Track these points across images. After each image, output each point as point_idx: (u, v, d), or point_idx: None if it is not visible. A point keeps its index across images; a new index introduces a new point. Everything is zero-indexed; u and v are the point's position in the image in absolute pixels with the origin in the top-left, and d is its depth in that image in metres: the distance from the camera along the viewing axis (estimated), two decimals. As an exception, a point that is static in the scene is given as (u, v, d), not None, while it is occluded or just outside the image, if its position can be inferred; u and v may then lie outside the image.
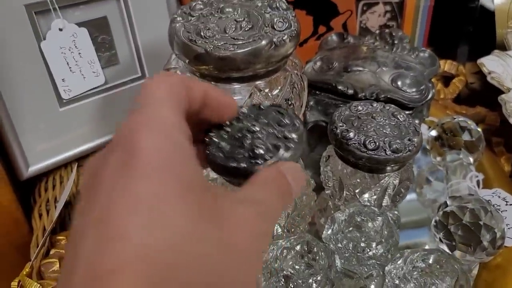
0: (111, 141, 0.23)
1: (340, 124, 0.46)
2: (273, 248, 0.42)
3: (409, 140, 0.44)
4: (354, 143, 0.44)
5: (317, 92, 0.57)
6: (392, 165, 0.45)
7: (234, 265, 0.20)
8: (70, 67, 0.53)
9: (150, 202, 0.19)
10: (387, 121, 0.46)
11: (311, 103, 0.57)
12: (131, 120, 0.23)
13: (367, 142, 0.44)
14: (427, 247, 0.51)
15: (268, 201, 0.24)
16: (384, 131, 0.45)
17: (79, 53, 0.54)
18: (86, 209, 0.20)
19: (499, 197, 0.50)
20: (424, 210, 0.57)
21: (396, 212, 0.53)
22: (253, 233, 0.22)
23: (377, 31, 0.59)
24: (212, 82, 0.47)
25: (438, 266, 0.42)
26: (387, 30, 0.58)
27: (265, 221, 0.23)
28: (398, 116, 0.47)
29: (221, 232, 0.20)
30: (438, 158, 0.56)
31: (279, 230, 0.44)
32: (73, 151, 0.57)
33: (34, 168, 0.55)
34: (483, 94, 0.70)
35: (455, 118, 0.55)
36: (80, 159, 0.59)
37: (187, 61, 0.46)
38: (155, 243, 0.18)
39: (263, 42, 0.44)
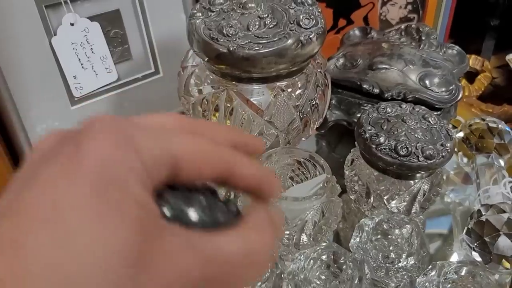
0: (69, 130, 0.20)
1: (369, 128, 0.43)
2: (299, 259, 0.40)
3: (441, 145, 0.42)
4: (385, 149, 0.42)
5: (339, 90, 0.54)
6: (423, 172, 0.43)
7: None
8: (82, 64, 0.51)
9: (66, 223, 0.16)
10: (418, 125, 0.44)
11: (333, 101, 0.55)
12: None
13: (398, 147, 0.41)
14: (455, 257, 0.49)
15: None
16: (416, 135, 0.43)
17: (91, 49, 0.51)
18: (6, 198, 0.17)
19: (531, 203, 0.48)
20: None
21: (421, 217, 0.51)
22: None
23: (403, 26, 0.56)
24: (233, 82, 0.44)
25: (471, 278, 0.41)
26: (413, 25, 0.55)
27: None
28: (429, 119, 0.44)
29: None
30: (465, 160, 0.54)
31: (305, 239, 0.42)
32: (85, 151, 0.54)
33: (45, 169, 0.52)
34: (508, 90, 0.67)
35: (484, 120, 0.53)
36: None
37: (206, 59, 0.43)
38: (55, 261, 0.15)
39: (289, 41, 0.41)
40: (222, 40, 0.41)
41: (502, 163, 0.50)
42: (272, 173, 0.28)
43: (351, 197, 0.49)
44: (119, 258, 0.16)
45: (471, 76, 0.67)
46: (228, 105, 0.44)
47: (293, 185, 0.47)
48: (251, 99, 0.45)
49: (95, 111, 0.54)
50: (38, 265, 0.15)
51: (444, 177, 0.57)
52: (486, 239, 0.41)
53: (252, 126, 0.45)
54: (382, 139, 0.42)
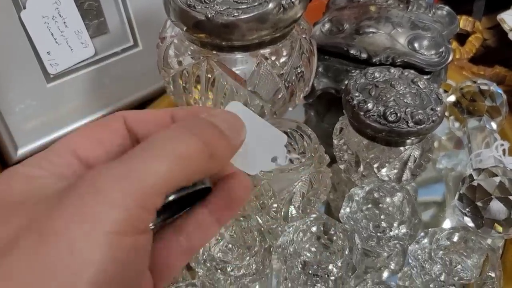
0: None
1: (356, 94, 0.42)
2: (288, 231, 0.39)
3: (431, 109, 0.41)
4: (373, 115, 0.40)
5: (326, 57, 0.52)
6: (414, 138, 0.41)
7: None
8: (55, 39, 0.48)
9: None
10: (407, 89, 0.42)
11: (320, 69, 0.53)
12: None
13: (387, 113, 0.40)
14: (447, 223, 0.48)
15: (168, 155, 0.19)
16: (405, 100, 0.41)
17: (64, 22, 0.49)
18: None
19: (524, 165, 0.47)
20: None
21: (413, 184, 0.51)
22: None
23: (390, -13, 0.54)
24: (214, 51, 0.42)
25: (463, 244, 0.40)
26: (401, -14, 0.53)
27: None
28: (419, 83, 0.43)
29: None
30: (457, 125, 0.52)
31: (294, 211, 0.41)
32: (65, 129, 0.53)
33: (24, 150, 0.51)
34: (500, 52, 0.65)
35: (475, 82, 0.51)
36: (73, 137, 0.55)
37: (185, 28, 0.41)
38: None
39: (270, 6, 0.39)
40: (199, 7, 0.39)
41: (494, 126, 0.49)
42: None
43: (340, 166, 0.47)
44: None
45: (461, 38, 0.66)
46: (209, 76, 0.43)
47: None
48: (233, 69, 0.43)
49: (72, 88, 0.52)
50: None
51: (436, 143, 0.56)
52: (478, 203, 0.40)
53: (235, 98, 0.44)
54: (370, 106, 0.40)
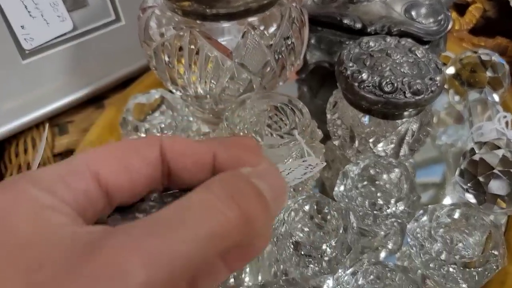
0: None
1: (350, 64, 0.39)
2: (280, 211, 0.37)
3: (430, 79, 0.38)
4: (368, 86, 0.38)
5: (318, 28, 0.50)
6: (411, 110, 0.39)
7: None
8: (29, 11, 0.45)
9: None
10: (404, 58, 0.39)
11: (312, 41, 0.50)
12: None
13: (383, 84, 0.37)
14: (448, 201, 0.46)
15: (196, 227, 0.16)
16: (402, 70, 0.38)
17: (38, -6, 0.46)
18: None
19: (527, 138, 0.44)
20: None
21: (412, 161, 0.48)
22: None
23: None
24: (198, 21, 0.40)
25: (464, 221, 0.38)
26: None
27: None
28: (416, 52, 0.40)
29: None
30: (457, 98, 0.50)
31: (285, 190, 0.38)
32: (43, 109, 0.50)
33: (0, 130, 0.48)
34: (501, 23, 0.63)
35: (475, 52, 0.49)
36: (53, 118, 0.52)
37: (165, -4, 0.38)
38: None
39: (256, -32, 0.36)
40: (179, -29, 0.36)
41: (496, 98, 0.46)
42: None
43: (334, 142, 0.45)
44: None
45: (461, 8, 0.63)
46: (193, 47, 0.40)
47: (271, 134, 0.44)
48: (219, 40, 0.40)
49: (51, 65, 0.49)
50: None
51: (435, 119, 0.54)
52: (480, 178, 0.37)
53: (221, 71, 0.41)
54: (365, 76, 0.38)
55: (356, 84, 0.38)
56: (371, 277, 0.34)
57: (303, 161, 0.31)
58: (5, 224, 0.16)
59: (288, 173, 0.28)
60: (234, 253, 0.20)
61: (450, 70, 0.50)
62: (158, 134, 0.44)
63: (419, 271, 0.37)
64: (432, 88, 0.38)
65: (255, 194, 0.18)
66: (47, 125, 0.50)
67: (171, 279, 0.15)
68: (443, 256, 0.34)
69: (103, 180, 0.19)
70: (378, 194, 0.40)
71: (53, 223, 0.16)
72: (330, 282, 0.39)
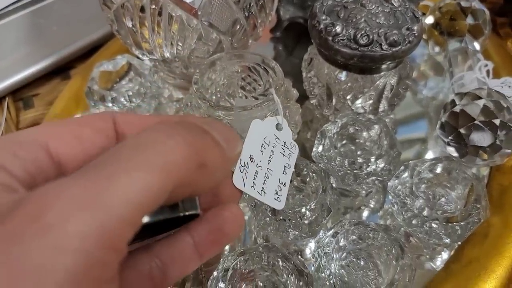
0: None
1: (323, 17, 0.37)
2: (256, 176, 0.36)
3: (407, 29, 0.36)
4: (343, 40, 0.36)
5: (290, -19, 0.47)
6: (389, 62, 0.37)
7: None
8: (-24, -23, 0.42)
9: None
10: (379, 8, 0.37)
11: (285, -4, 0.48)
12: None
13: (358, 36, 0.35)
14: (429, 155, 0.45)
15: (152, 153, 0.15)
16: (378, 20, 0.36)
17: (-15, -43, 0.42)
18: None
19: (509, 87, 0.43)
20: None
21: (392, 116, 0.47)
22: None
23: None
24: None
25: (446, 175, 0.37)
26: None
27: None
28: (392, 1, 0.38)
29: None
30: (437, 49, 0.48)
31: (261, 154, 0.37)
32: (3, 83, 0.47)
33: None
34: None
35: (455, -1, 0.47)
36: (16, 92, 0.49)
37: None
38: None
39: None
40: None
41: (476, 46, 0.45)
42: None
43: (312, 101, 0.43)
44: None
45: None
46: (154, 7, 0.37)
47: (245, 96, 0.42)
48: (182, -2, 0.37)
49: (7, 35, 0.46)
50: None
51: (415, 72, 0.52)
52: (461, 130, 0.36)
53: (187, 32, 0.39)
54: (338, 29, 0.36)
55: (330, 38, 0.36)
56: (353, 237, 0.33)
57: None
58: None
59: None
60: (202, 233, 0.20)
61: (429, 20, 0.48)
62: (126, 103, 0.42)
63: (402, 228, 0.36)
64: (410, 39, 0.36)
65: (201, 130, 0.18)
66: (6, 101, 0.47)
67: (105, 227, 0.13)
68: (425, 213, 0.33)
69: (53, 150, 0.18)
70: (358, 153, 0.39)
71: None
72: (312, 245, 0.38)
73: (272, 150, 0.31)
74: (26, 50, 0.48)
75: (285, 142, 0.32)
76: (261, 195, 0.28)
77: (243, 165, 0.26)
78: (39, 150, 0.17)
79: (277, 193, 0.29)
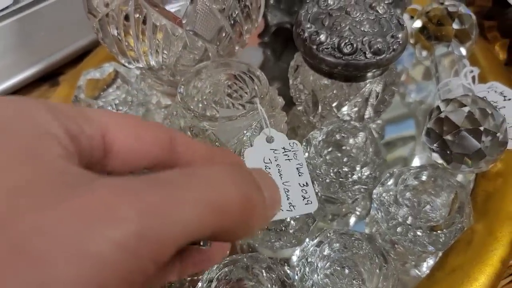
0: None
1: (308, 26, 0.37)
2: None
3: (392, 36, 0.36)
4: (327, 48, 0.36)
5: (277, -13, 0.47)
6: (374, 70, 0.37)
7: None
8: (-39, -14, 0.42)
9: None
10: (364, 16, 0.37)
11: (271, 1, 0.48)
12: None
13: (342, 45, 0.35)
14: (416, 161, 0.45)
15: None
16: (362, 28, 0.36)
17: (-30, -34, 0.42)
18: None
19: (495, 92, 0.43)
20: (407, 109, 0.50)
21: (379, 122, 0.47)
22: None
23: None
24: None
25: (432, 183, 0.37)
26: None
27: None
28: (377, 8, 0.38)
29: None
30: (424, 53, 0.48)
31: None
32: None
33: None
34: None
35: (442, 3, 0.47)
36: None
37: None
38: None
39: None
40: None
41: (463, 51, 0.45)
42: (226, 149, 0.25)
43: (298, 108, 0.43)
44: None
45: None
46: (138, 16, 0.37)
47: (232, 104, 0.42)
48: (166, 6, 0.37)
49: (-6, 43, 0.46)
50: None
51: (403, 76, 0.52)
52: (446, 137, 0.36)
53: (172, 41, 0.39)
54: (323, 37, 0.36)
55: (314, 47, 0.36)
56: (337, 245, 0.33)
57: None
58: (5, 130, 0.15)
59: None
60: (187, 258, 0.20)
61: (417, 24, 0.48)
62: (114, 111, 0.42)
63: (387, 236, 0.36)
64: (394, 47, 0.36)
65: (256, 185, 0.18)
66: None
67: (161, 237, 0.14)
68: (409, 221, 0.33)
69: (111, 135, 0.18)
70: (344, 160, 0.39)
71: (50, 151, 0.15)
72: (298, 253, 0.38)
73: (277, 164, 0.31)
74: (14, 57, 0.48)
75: (283, 147, 0.32)
76: (291, 211, 0.28)
77: None
78: (99, 130, 0.18)
79: (304, 197, 0.29)
